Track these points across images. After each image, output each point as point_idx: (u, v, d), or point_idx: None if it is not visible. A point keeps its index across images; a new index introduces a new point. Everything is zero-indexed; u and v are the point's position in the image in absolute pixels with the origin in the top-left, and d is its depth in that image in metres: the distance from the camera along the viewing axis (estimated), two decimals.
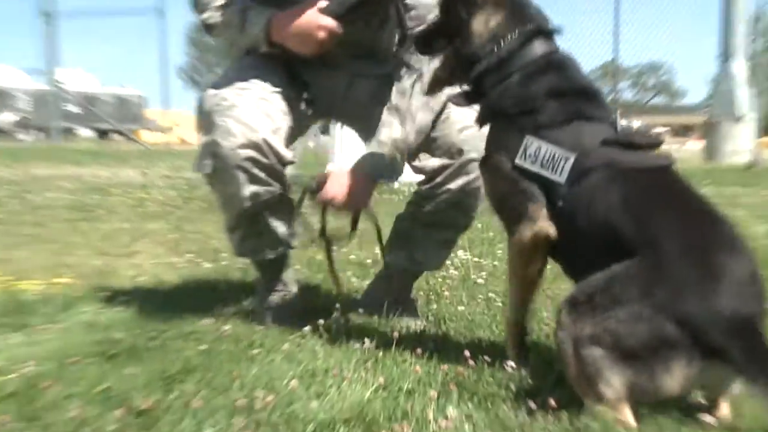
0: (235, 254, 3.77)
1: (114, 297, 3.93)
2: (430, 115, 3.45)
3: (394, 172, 3.45)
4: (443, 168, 3.55)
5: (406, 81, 3.47)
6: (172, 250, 5.64)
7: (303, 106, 3.61)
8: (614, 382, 2.30)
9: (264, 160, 3.31)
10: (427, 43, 3.11)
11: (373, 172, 3.38)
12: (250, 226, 3.53)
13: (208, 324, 3.45)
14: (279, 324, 3.50)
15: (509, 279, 2.95)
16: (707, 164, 16.46)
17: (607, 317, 2.33)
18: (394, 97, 3.48)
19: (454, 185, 3.56)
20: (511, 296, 2.94)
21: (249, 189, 3.34)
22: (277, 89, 3.48)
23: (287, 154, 3.39)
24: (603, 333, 2.32)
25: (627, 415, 2.32)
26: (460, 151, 3.53)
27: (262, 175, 3.33)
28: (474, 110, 3.03)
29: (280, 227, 3.57)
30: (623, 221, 2.49)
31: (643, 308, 2.29)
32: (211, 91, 3.45)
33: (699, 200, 2.58)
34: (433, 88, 3.14)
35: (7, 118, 37.54)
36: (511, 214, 2.80)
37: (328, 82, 3.64)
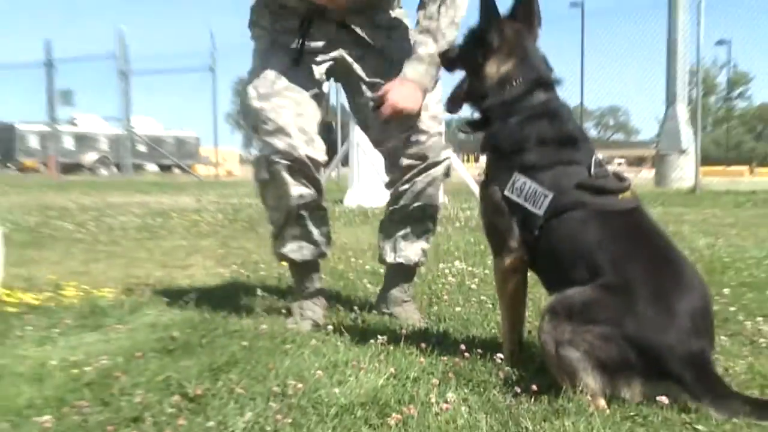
0: (278, 258, 3.75)
1: (172, 302, 3.92)
2: (455, 30, 3.41)
3: (434, 82, 3.44)
4: (410, 167, 3.60)
5: (432, 6, 3.42)
6: (219, 262, 5.64)
7: (325, 88, 3.63)
8: (588, 379, 2.37)
9: (304, 169, 3.45)
10: (450, 65, 3.13)
11: (420, 82, 3.36)
12: (294, 227, 3.56)
13: (248, 323, 3.44)
14: (309, 322, 3.50)
15: (497, 293, 3.00)
16: (658, 189, 16.47)
17: (584, 329, 2.40)
18: (423, 21, 3.44)
19: (419, 180, 3.61)
20: (501, 307, 2.97)
21: (296, 190, 3.46)
22: (306, 93, 3.51)
23: (320, 156, 3.49)
24: (580, 341, 2.40)
25: (601, 402, 2.37)
26: (425, 157, 3.59)
27: (303, 180, 3.47)
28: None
29: (316, 232, 3.60)
30: (599, 257, 2.54)
31: (614, 332, 2.37)
32: (255, 103, 3.47)
33: (662, 241, 2.65)
34: (452, 103, 3.08)
35: (90, 157, 37.71)
36: (497, 242, 2.85)
37: (338, 47, 3.61)
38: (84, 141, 37.88)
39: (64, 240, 7.18)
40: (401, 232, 3.73)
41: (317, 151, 3.48)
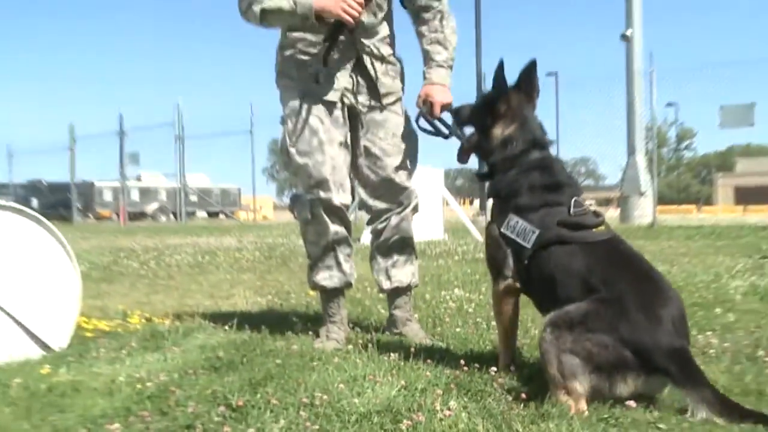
0: (311, 285, 3.71)
1: (218, 327, 3.89)
2: (455, 36, 3.58)
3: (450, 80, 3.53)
4: (387, 210, 3.62)
5: (434, 21, 3.56)
6: (257, 293, 5.60)
7: (347, 127, 3.57)
8: (584, 382, 2.39)
9: (339, 213, 3.53)
10: (463, 121, 3.15)
11: (445, 82, 3.47)
12: (328, 259, 3.58)
13: (281, 344, 3.41)
14: (333, 342, 3.46)
15: (494, 314, 2.98)
16: (622, 225, 16.44)
17: (583, 339, 2.43)
18: (430, 34, 3.55)
19: (393, 220, 3.62)
20: (498, 326, 2.96)
21: (333, 228, 3.53)
22: (337, 145, 3.49)
23: (348, 200, 3.55)
24: (580, 349, 2.42)
25: (583, 405, 2.37)
26: (401, 203, 3.62)
27: (338, 221, 3.55)
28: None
29: (345, 264, 3.60)
30: (591, 278, 2.59)
31: (612, 337, 2.40)
32: (298, 159, 3.49)
33: (642, 262, 2.73)
34: (463, 155, 3.14)
35: (152, 206, 38.06)
36: (495, 271, 2.88)
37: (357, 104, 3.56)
38: (147, 194, 38.21)
39: (131, 276, 7.18)
40: (390, 262, 3.69)
41: (347, 195, 3.55)
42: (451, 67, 3.54)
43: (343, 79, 3.49)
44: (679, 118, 56.33)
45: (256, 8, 3.37)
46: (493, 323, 3.28)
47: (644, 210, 17.41)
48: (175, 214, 32.26)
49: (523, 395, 2.48)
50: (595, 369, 2.41)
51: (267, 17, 3.40)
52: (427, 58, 3.56)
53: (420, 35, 3.61)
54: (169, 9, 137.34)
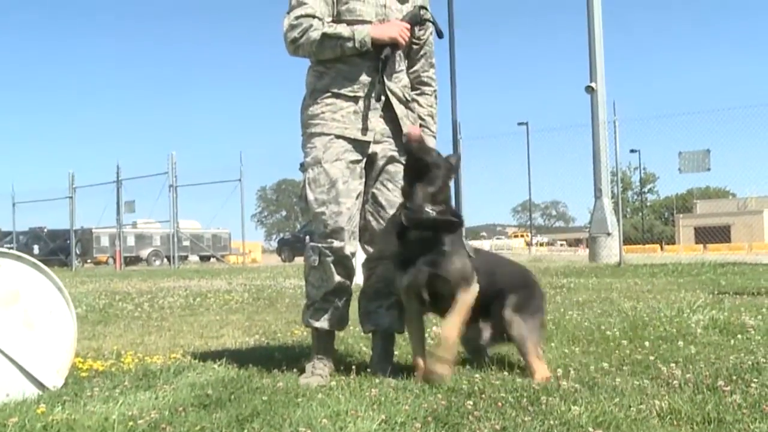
0: (305, 324, 3.68)
1: (208, 366, 3.85)
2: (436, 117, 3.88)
3: None
4: (376, 258, 3.65)
5: (431, 97, 3.84)
6: (245, 332, 5.56)
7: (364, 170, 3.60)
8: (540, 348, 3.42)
9: (345, 262, 3.53)
10: None
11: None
12: (326, 303, 3.56)
13: (268, 382, 3.37)
14: (318, 378, 3.42)
15: (460, 311, 3.29)
16: (591, 264, 16.54)
17: (534, 319, 3.46)
18: (428, 108, 3.81)
19: (380, 270, 3.63)
20: (461, 320, 3.30)
21: (336, 279, 3.52)
22: (353, 196, 3.50)
23: (355, 248, 3.56)
24: (537, 326, 3.46)
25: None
26: (386, 255, 3.59)
27: (342, 271, 3.53)
28: None
29: (341, 309, 3.60)
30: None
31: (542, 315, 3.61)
32: (316, 207, 3.49)
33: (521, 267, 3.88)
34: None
35: (147, 251, 38.11)
36: (469, 281, 3.29)
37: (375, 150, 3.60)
38: (142, 239, 38.30)
39: (125, 318, 7.11)
40: (373, 306, 3.68)
41: (356, 244, 3.57)
42: (435, 137, 3.83)
43: (375, 120, 3.53)
44: (642, 163, 57.18)
45: (315, 33, 3.40)
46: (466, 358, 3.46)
47: (611, 250, 17.53)
48: (168, 258, 32.20)
49: (497, 426, 2.46)
50: (540, 338, 3.50)
51: (324, 43, 3.41)
52: (423, 126, 3.76)
53: (417, 103, 3.77)
54: (163, 67, 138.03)
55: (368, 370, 3.59)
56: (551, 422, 2.51)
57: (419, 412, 2.68)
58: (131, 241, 37.04)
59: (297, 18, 3.43)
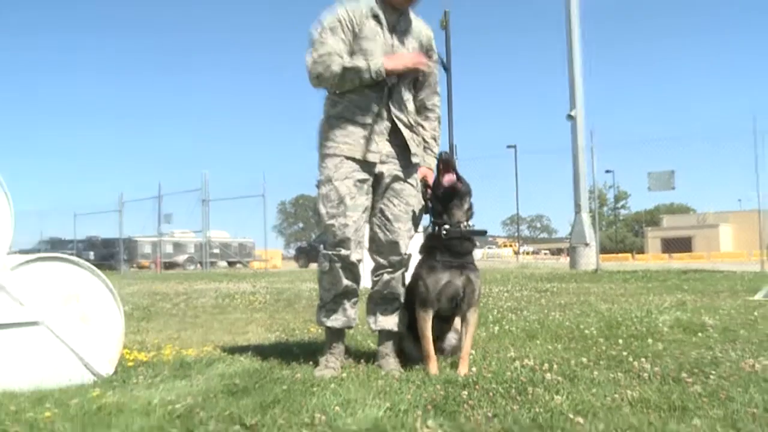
0: (318, 323, 3.66)
1: (236, 358, 3.86)
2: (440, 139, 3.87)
3: None
4: (383, 266, 3.60)
5: (434, 122, 3.82)
6: (268, 329, 5.55)
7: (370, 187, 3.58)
8: None
9: (352, 268, 3.52)
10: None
11: (434, 166, 3.71)
12: (336, 304, 3.57)
13: (287, 373, 3.37)
14: (331, 371, 3.42)
15: (472, 333, 3.43)
16: (572, 271, 16.47)
17: None
18: (431, 131, 3.80)
19: (386, 277, 3.60)
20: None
21: (344, 282, 3.53)
22: (360, 210, 3.49)
23: (362, 256, 3.54)
24: None
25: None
26: (395, 265, 3.60)
27: (350, 275, 3.54)
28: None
29: (350, 310, 3.59)
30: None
31: None
32: (327, 220, 3.48)
33: None
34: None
35: (182, 257, 38.06)
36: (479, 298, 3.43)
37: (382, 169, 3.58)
38: (178, 247, 38.26)
39: (165, 315, 7.11)
40: (379, 309, 3.65)
41: (363, 252, 3.55)
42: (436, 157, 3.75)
43: (382, 143, 3.53)
44: (616, 182, 57.10)
45: (336, 68, 3.39)
46: (461, 354, 3.40)
47: (589, 258, 17.48)
48: (201, 264, 32.20)
49: (489, 414, 2.47)
50: None
51: (344, 76, 3.41)
52: (427, 148, 3.76)
53: (422, 128, 3.77)
54: (197, 96, 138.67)
55: (375, 363, 3.59)
56: (537, 410, 2.52)
57: (420, 401, 2.69)
58: (169, 248, 37.04)
59: (320, 56, 3.43)
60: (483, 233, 3.52)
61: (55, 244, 36.26)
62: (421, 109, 3.78)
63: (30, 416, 2.54)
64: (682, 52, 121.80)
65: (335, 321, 3.58)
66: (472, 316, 3.40)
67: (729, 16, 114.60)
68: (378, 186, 3.59)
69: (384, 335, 3.66)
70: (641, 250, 54.05)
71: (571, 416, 2.41)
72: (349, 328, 3.67)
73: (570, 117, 18.55)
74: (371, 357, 3.77)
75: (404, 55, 3.50)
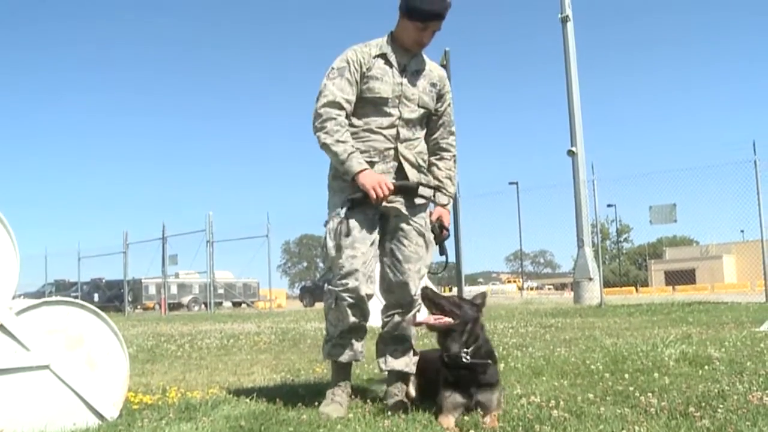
0: (325, 357, 3.62)
1: (241, 399, 3.83)
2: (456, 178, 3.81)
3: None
4: (394, 307, 3.60)
5: (449, 161, 3.77)
6: (273, 370, 5.51)
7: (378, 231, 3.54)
8: None
9: (360, 303, 3.44)
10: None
11: (449, 208, 3.79)
12: (343, 340, 3.51)
13: (293, 414, 3.34)
14: (337, 405, 3.37)
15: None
16: (576, 305, 16.41)
17: None
18: (446, 170, 3.74)
19: (397, 319, 3.58)
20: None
21: (351, 319, 3.45)
22: (368, 243, 3.44)
23: (371, 290, 3.45)
24: None
25: None
26: (406, 306, 3.57)
27: (358, 312, 3.46)
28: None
29: (357, 345, 3.55)
30: None
31: None
32: (332, 252, 3.42)
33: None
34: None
35: (188, 298, 38.03)
36: (501, 405, 3.15)
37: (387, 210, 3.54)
38: (183, 288, 38.32)
39: (169, 357, 7.08)
40: (389, 349, 3.63)
41: (373, 287, 3.48)
42: (452, 197, 3.77)
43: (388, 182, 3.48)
44: (618, 216, 57.13)
45: (325, 138, 3.39)
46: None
47: (593, 292, 17.43)
48: (205, 304, 32.19)
49: None
50: None
51: (326, 150, 3.43)
52: (441, 188, 3.70)
53: (436, 167, 3.73)
54: (201, 140, 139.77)
55: (383, 403, 3.54)
56: None
57: None
58: (174, 289, 37.05)
59: (322, 106, 3.42)
60: (485, 366, 3.14)
61: (60, 287, 36.30)
62: (436, 148, 3.75)
63: None
64: (680, 83, 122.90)
65: (342, 355, 3.52)
66: (494, 420, 2.99)
67: (728, 46, 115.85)
68: (386, 224, 3.58)
69: (394, 376, 3.62)
70: (645, 283, 53.83)
71: None
72: (356, 361, 3.62)
73: (571, 152, 18.68)
74: (378, 397, 3.74)
75: (377, 179, 3.35)
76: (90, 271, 36.52)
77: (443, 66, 19.43)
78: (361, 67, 3.50)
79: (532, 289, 56.07)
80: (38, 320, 3.20)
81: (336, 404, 3.39)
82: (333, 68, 3.51)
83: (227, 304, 38.26)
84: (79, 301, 3.43)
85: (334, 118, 3.41)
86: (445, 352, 3.15)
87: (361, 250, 3.42)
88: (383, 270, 3.61)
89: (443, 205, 3.73)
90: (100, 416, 3.31)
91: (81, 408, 3.26)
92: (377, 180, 3.35)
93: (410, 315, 3.53)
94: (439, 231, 3.62)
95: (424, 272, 3.65)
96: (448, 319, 3.15)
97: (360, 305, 3.46)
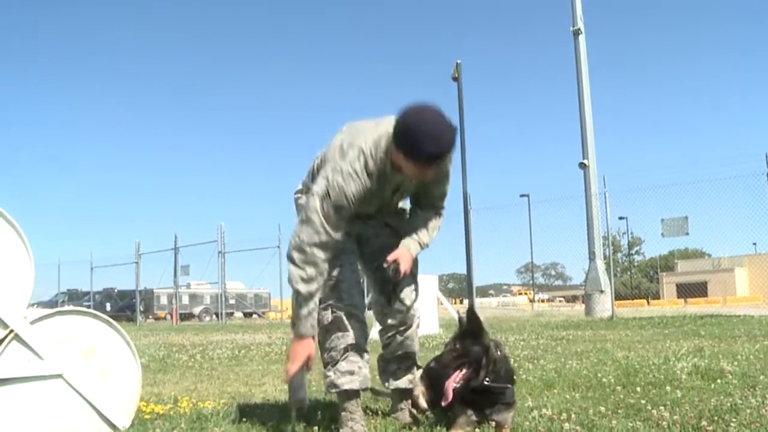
0: (331, 389, 3.20)
1: (252, 410, 3.85)
2: (437, 232, 3.35)
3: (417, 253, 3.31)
4: (394, 327, 3.41)
5: (431, 213, 3.33)
6: (284, 381, 5.47)
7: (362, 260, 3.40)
8: None
9: (356, 312, 3.19)
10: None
11: (416, 255, 3.26)
12: (348, 363, 3.16)
13: (305, 426, 3.33)
14: None
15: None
16: (587, 318, 16.33)
17: None
18: (426, 221, 3.30)
19: (399, 338, 3.43)
20: None
21: (352, 332, 3.17)
22: (351, 251, 3.28)
23: (363, 306, 3.24)
24: None
25: None
26: (405, 323, 3.41)
27: (356, 324, 3.18)
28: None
29: (364, 368, 3.19)
30: None
31: None
32: (324, 338, 3.19)
33: None
34: None
35: (199, 308, 38.15)
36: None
37: (364, 231, 3.38)
38: (195, 298, 38.51)
39: (181, 367, 7.10)
40: (392, 368, 3.51)
41: (364, 309, 3.28)
42: (423, 248, 3.30)
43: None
44: (630, 229, 56.90)
45: (297, 284, 2.97)
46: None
47: (605, 305, 17.36)
48: (217, 315, 32.29)
49: None
50: None
51: (295, 295, 3.01)
52: (414, 233, 3.29)
53: (416, 215, 3.37)
54: (213, 152, 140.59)
55: (392, 416, 3.50)
56: None
57: None
58: (185, 299, 37.19)
59: (310, 245, 2.93)
60: (503, 390, 3.05)
61: (73, 296, 36.51)
62: (423, 204, 3.39)
63: None
64: (692, 95, 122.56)
65: (351, 382, 3.14)
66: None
67: (739, 58, 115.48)
68: (366, 245, 3.39)
69: (398, 393, 3.54)
70: (656, 296, 53.52)
71: None
72: (366, 388, 3.28)
73: (583, 165, 18.65)
74: (383, 410, 3.73)
75: (300, 356, 3.03)
76: (102, 281, 36.89)
77: (455, 79, 19.47)
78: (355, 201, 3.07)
79: (543, 301, 55.98)
80: (52, 329, 3.22)
81: None
82: (332, 203, 2.95)
83: (238, 314, 38.37)
84: (92, 310, 3.44)
85: (314, 266, 2.98)
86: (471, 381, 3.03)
87: (349, 260, 3.26)
88: (375, 290, 3.45)
89: (408, 250, 3.27)
90: (113, 425, 3.31)
91: (93, 417, 3.27)
92: (299, 358, 3.04)
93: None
94: (395, 270, 3.20)
95: (416, 276, 3.45)
96: (464, 372, 3.02)
97: (357, 316, 3.22)
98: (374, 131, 3.04)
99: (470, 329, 3.07)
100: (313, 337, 3.06)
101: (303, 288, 2.94)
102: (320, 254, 2.93)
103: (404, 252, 3.22)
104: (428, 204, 3.37)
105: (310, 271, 2.93)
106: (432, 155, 2.88)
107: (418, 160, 2.89)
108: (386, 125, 3.02)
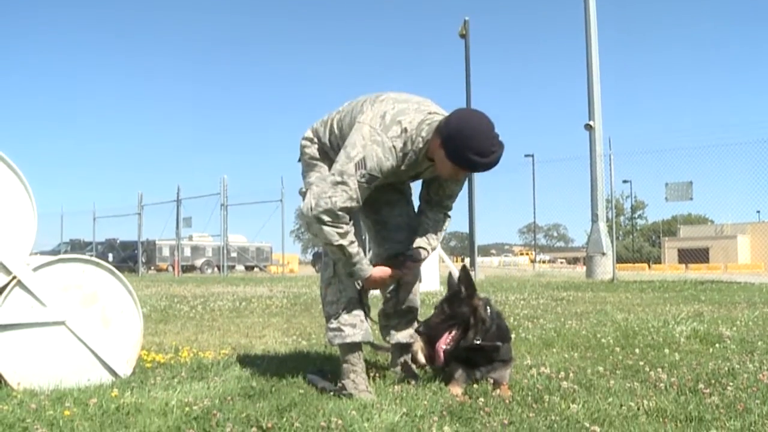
0: (333, 342, 3.18)
1: (253, 361, 3.87)
2: (444, 233, 3.39)
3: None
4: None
5: (440, 215, 3.31)
6: (284, 333, 5.56)
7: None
8: None
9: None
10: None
11: (425, 255, 3.28)
12: (350, 317, 3.15)
13: (303, 376, 3.35)
14: (367, 394, 3.04)
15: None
16: (588, 280, 16.39)
17: None
18: (435, 224, 3.29)
19: (401, 290, 3.41)
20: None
21: (352, 285, 3.16)
22: (354, 222, 3.13)
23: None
24: None
25: None
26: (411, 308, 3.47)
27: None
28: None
29: (366, 321, 3.19)
30: None
31: None
32: (326, 291, 3.22)
33: None
34: None
35: (200, 261, 38.38)
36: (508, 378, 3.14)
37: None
38: (197, 250, 38.69)
39: (182, 318, 7.16)
40: (393, 322, 3.50)
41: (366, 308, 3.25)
42: (430, 251, 3.31)
43: None
44: (633, 192, 56.85)
45: (338, 239, 2.93)
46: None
47: (606, 267, 17.39)
48: (218, 267, 32.44)
49: (505, 421, 2.46)
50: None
51: (337, 251, 2.98)
52: (424, 237, 3.29)
53: (426, 216, 3.33)
54: (217, 104, 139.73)
55: (391, 369, 3.51)
56: (552, 418, 2.50)
57: (436, 407, 2.67)
58: (187, 252, 37.36)
59: (342, 210, 2.89)
60: (495, 348, 3.11)
61: (75, 246, 36.70)
62: (432, 202, 3.37)
63: (50, 414, 2.57)
64: (700, 60, 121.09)
65: (354, 335, 3.13)
66: (504, 389, 3.01)
67: (749, 25, 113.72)
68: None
69: (399, 347, 3.53)
70: (658, 260, 53.69)
71: (587, 425, 2.39)
72: (368, 342, 3.28)
73: (588, 127, 18.50)
74: (385, 364, 3.76)
75: (384, 278, 3.17)
76: (105, 232, 36.92)
77: (462, 36, 19.24)
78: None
79: (544, 262, 56.12)
80: (54, 277, 3.24)
81: (365, 393, 3.04)
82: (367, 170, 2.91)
83: (240, 267, 38.57)
84: (94, 258, 3.46)
85: (344, 230, 2.97)
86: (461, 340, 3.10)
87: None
88: (378, 241, 3.42)
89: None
90: (114, 373, 3.35)
91: (95, 364, 3.31)
92: (381, 281, 3.19)
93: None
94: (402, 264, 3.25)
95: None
96: (453, 334, 3.11)
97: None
98: (419, 113, 2.99)
99: (458, 290, 3.14)
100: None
101: (345, 241, 2.94)
102: (346, 218, 2.93)
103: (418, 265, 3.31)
104: (437, 201, 3.34)
105: (345, 227, 2.93)
106: (477, 167, 2.93)
107: (460, 165, 2.91)
108: (431, 109, 3.02)
